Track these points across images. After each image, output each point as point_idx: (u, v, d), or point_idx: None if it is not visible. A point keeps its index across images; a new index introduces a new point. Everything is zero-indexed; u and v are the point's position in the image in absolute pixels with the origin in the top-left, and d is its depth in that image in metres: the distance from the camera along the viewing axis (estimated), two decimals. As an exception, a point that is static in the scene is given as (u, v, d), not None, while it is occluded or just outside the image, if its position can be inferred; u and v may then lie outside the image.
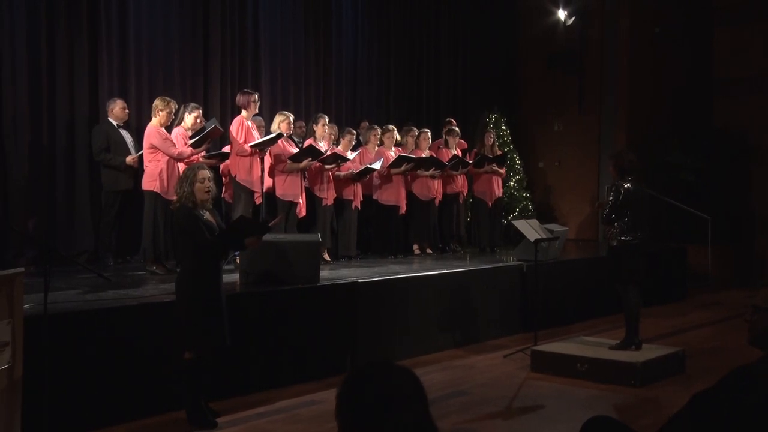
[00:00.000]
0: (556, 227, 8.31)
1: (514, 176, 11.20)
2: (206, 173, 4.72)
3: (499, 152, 9.73)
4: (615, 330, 6.95)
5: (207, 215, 4.72)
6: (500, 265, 8.07)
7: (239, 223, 5.03)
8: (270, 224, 5.13)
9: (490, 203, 9.46)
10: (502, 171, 9.69)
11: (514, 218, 9.85)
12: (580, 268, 8.76)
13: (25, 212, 6.96)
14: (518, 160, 11.45)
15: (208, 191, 4.69)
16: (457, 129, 9.54)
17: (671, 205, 11.21)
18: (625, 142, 11.46)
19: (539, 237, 6.86)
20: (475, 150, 9.69)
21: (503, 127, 11.34)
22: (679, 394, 5.58)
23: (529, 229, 6.95)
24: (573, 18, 11.97)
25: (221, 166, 7.41)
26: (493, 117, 11.33)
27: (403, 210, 8.66)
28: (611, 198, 6.10)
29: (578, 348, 6.31)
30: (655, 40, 12.04)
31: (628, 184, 6.09)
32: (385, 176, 8.54)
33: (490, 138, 9.64)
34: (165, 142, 6.57)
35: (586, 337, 6.86)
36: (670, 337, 7.42)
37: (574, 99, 12.18)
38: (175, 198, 4.85)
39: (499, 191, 9.64)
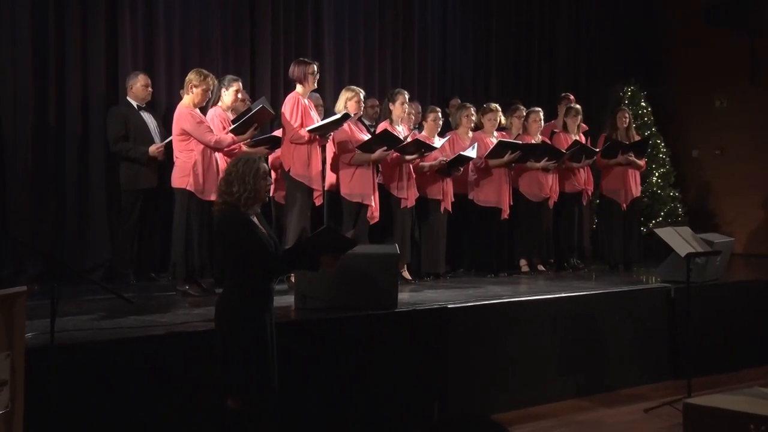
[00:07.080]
0: (716, 237, 8.22)
1: (657, 169, 11.13)
2: (266, 166, 4.77)
3: (637, 137, 9.62)
4: (802, 380, 6.71)
5: (256, 221, 4.76)
6: (638, 287, 8.02)
7: (322, 235, 4.97)
8: (350, 236, 5.11)
9: (624, 205, 9.37)
10: (642, 163, 9.57)
11: (658, 225, 9.78)
12: (752, 292, 8.57)
13: (29, 216, 7.23)
14: (663, 147, 11.38)
15: (269, 191, 4.75)
16: (578, 107, 9.47)
17: None
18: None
19: (692, 251, 6.74)
20: (604, 135, 9.63)
21: (642, 104, 11.35)
22: None
23: (679, 239, 6.85)
24: (740, -45, 11.68)
25: (270, 158, 7.51)
26: (629, 91, 11.33)
27: (506, 214, 8.64)
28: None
29: (751, 403, 6.08)
30: None
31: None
32: (483, 169, 8.53)
33: (625, 118, 9.53)
34: (200, 126, 6.68)
35: (762, 389, 6.63)
36: None
37: (743, 66, 11.92)
38: (213, 198, 4.91)
39: (636, 190, 9.53)
